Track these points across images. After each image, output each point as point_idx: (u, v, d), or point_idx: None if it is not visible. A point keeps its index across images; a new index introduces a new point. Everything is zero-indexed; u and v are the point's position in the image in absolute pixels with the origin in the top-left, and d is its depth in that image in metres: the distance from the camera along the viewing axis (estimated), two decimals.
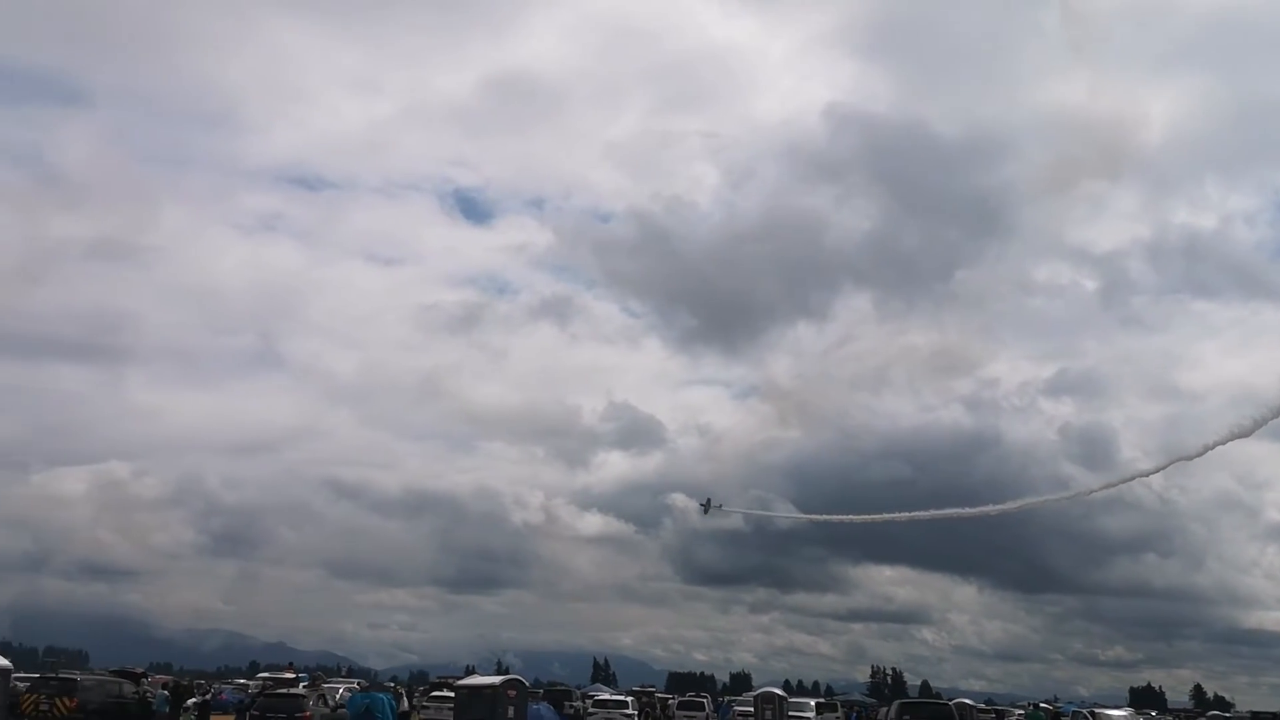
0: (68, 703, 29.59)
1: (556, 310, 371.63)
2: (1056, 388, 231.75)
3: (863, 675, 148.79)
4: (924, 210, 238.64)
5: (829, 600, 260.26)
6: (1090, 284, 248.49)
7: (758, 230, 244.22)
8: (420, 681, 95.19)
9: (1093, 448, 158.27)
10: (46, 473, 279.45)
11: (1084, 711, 47.70)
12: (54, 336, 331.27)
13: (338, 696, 37.84)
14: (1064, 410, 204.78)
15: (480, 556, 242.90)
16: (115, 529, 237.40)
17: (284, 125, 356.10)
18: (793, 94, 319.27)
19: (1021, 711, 51.62)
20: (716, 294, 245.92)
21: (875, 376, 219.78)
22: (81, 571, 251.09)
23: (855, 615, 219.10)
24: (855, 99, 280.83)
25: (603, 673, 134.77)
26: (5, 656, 23.65)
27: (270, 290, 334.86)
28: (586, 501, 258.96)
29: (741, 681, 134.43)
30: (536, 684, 63.64)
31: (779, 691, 44.33)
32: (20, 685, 30.54)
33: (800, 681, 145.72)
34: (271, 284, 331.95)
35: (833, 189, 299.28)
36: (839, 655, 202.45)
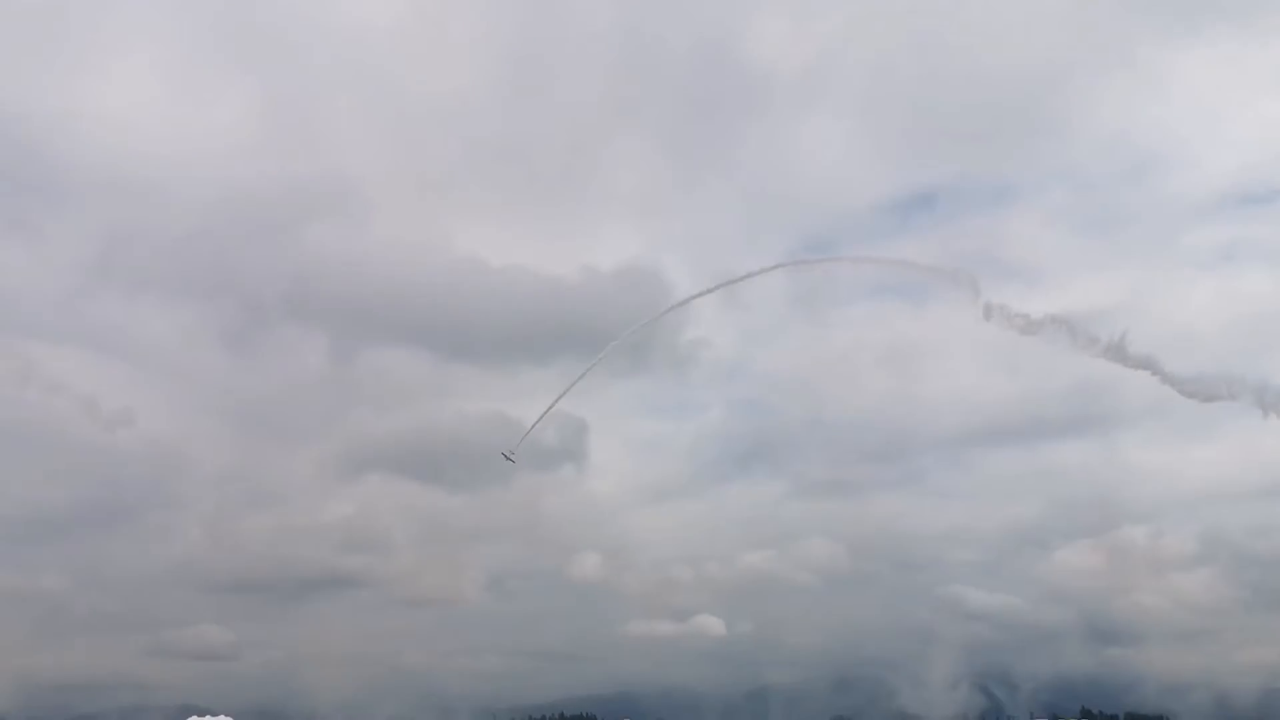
0: None
1: None
2: None
3: None
4: None
5: None
6: None
7: None
8: None
9: None
10: (1066, 547, 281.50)
11: None
12: (1044, 416, 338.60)
13: None
14: None
15: None
16: (1150, 591, 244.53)
17: (1213, 152, 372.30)
18: None
19: None
20: None
21: None
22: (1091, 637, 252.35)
23: None
24: None
25: None
26: None
27: (1246, 321, 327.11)
28: None
29: None
30: None
31: None
32: None
33: None
34: (1246, 315, 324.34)
35: None
36: None
